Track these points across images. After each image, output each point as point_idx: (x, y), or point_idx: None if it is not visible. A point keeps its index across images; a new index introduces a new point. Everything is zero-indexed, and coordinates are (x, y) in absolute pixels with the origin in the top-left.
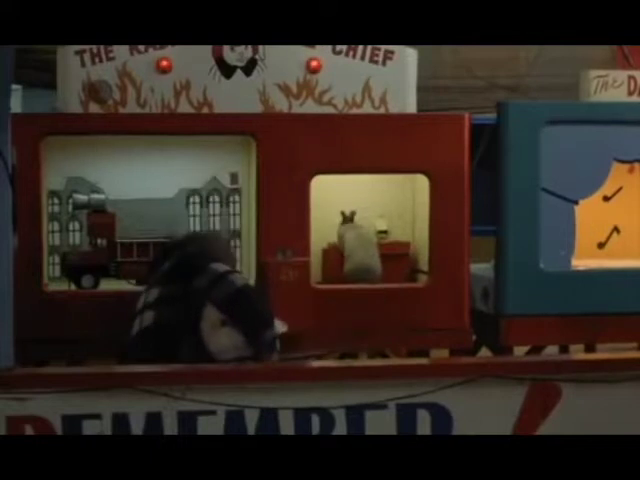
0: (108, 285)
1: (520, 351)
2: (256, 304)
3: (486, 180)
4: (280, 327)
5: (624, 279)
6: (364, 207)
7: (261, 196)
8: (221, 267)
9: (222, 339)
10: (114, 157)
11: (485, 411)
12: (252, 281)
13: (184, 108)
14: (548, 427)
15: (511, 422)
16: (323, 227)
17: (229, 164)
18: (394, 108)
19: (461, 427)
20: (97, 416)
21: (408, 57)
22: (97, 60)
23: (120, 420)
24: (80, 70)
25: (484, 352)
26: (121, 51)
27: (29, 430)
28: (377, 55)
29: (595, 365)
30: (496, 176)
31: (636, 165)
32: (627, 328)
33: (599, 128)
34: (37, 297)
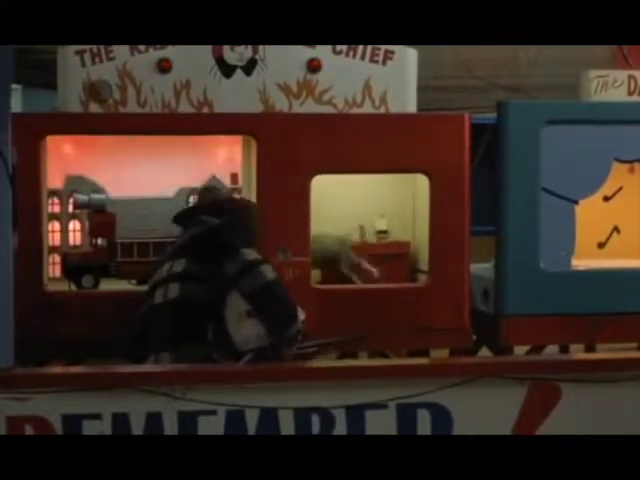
0: (108, 285)
1: (520, 351)
2: (283, 298)
3: (486, 180)
4: (301, 315)
5: (624, 279)
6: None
7: (261, 196)
8: (252, 255)
9: (246, 330)
10: (114, 157)
11: (485, 411)
12: None
13: (184, 108)
14: (548, 427)
15: (511, 422)
16: (324, 227)
17: (229, 164)
18: (394, 108)
19: (461, 427)
20: (97, 416)
21: (408, 57)
22: (97, 60)
23: (120, 420)
24: (80, 70)
25: (484, 352)
26: (121, 51)
27: (29, 430)
28: (377, 55)
29: (595, 365)
30: (496, 176)
31: (636, 165)
32: (627, 328)
33: (599, 128)
34: (37, 297)
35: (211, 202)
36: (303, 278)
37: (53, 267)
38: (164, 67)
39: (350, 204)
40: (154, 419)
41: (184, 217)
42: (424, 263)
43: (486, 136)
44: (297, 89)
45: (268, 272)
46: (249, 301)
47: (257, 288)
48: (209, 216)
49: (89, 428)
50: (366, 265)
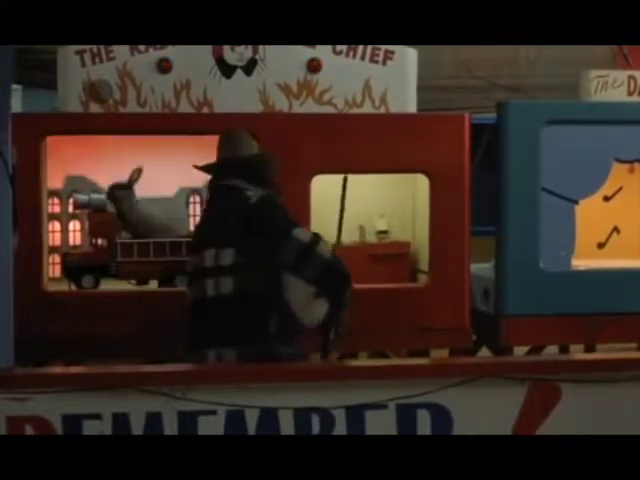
0: (108, 285)
1: (520, 351)
2: (342, 271)
3: (486, 180)
4: None
5: (624, 279)
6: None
7: None
8: (303, 235)
9: (317, 310)
10: (114, 157)
11: (485, 411)
12: None
13: (184, 108)
14: (548, 427)
15: (511, 422)
16: (323, 227)
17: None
18: (394, 108)
19: (461, 427)
20: (97, 416)
21: (408, 57)
22: (97, 60)
23: (120, 420)
24: (80, 70)
25: (484, 352)
26: (121, 51)
27: (29, 430)
28: (377, 55)
29: (595, 365)
30: (496, 176)
31: (636, 165)
32: (627, 328)
33: (599, 128)
34: (37, 297)
35: (240, 161)
36: None
37: (53, 267)
38: (164, 67)
39: (350, 204)
40: (154, 419)
41: (215, 182)
42: (424, 263)
43: (486, 136)
44: (297, 89)
45: (324, 249)
46: (312, 283)
47: (319, 272)
48: (239, 179)
49: (89, 428)
50: None
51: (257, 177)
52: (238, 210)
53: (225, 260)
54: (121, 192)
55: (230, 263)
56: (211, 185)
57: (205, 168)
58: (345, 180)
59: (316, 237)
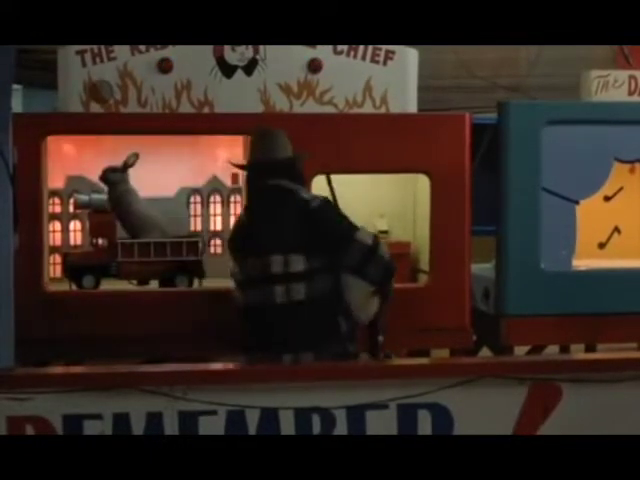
0: (109, 285)
1: (520, 351)
2: (395, 269)
3: (487, 180)
4: None
5: (625, 279)
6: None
7: None
8: (367, 237)
9: (372, 307)
10: (115, 157)
11: (485, 411)
12: None
13: (185, 108)
14: (548, 427)
15: (511, 422)
16: None
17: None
18: (395, 108)
19: (462, 427)
20: (98, 416)
21: (409, 57)
22: (98, 60)
23: (121, 420)
24: (81, 70)
25: (484, 352)
26: (122, 51)
27: (30, 430)
28: (378, 55)
29: (595, 365)
30: (497, 176)
31: (637, 165)
32: (628, 328)
33: (600, 128)
34: (37, 297)
35: (284, 161)
36: None
37: (54, 267)
38: (165, 67)
39: (350, 204)
40: (155, 419)
41: (259, 181)
42: (424, 263)
43: (487, 136)
44: (298, 89)
45: (384, 251)
46: (374, 284)
47: (382, 273)
48: (284, 178)
49: (90, 428)
50: None
51: (298, 177)
52: (300, 214)
53: (296, 267)
54: (114, 175)
55: (301, 270)
56: (255, 184)
57: (249, 167)
58: (329, 181)
59: (376, 239)
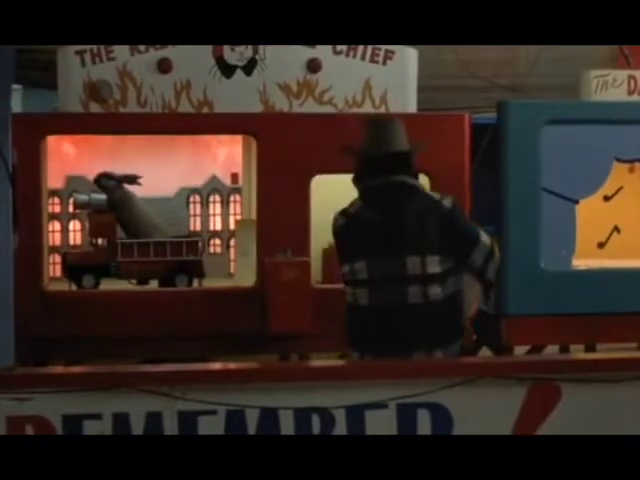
0: (109, 285)
1: (520, 351)
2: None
3: (487, 180)
4: None
5: (624, 279)
6: None
7: (261, 195)
8: (488, 239)
9: (477, 304)
10: (115, 157)
11: (485, 411)
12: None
13: (184, 108)
14: (548, 427)
15: (511, 422)
16: (324, 227)
17: (229, 163)
18: (394, 108)
19: (461, 427)
20: (98, 416)
21: (409, 57)
22: (97, 60)
23: (121, 420)
24: (81, 70)
25: (484, 352)
26: (121, 51)
27: (29, 430)
28: (378, 55)
29: (595, 365)
30: (497, 176)
31: (636, 165)
32: (628, 328)
33: (599, 128)
34: (37, 297)
35: (404, 155)
36: (303, 278)
37: (53, 267)
38: (164, 67)
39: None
40: (154, 419)
41: (379, 177)
42: None
43: (486, 136)
44: (297, 89)
45: (498, 251)
46: (489, 285)
47: (495, 274)
48: (406, 174)
49: (89, 428)
50: None
51: (415, 171)
52: (434, 215)
53: (433, 268)
54: (108, 181)
55: (439, 271)
56: (373, 180)
57: (366, 160)
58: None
59: (493, 240)
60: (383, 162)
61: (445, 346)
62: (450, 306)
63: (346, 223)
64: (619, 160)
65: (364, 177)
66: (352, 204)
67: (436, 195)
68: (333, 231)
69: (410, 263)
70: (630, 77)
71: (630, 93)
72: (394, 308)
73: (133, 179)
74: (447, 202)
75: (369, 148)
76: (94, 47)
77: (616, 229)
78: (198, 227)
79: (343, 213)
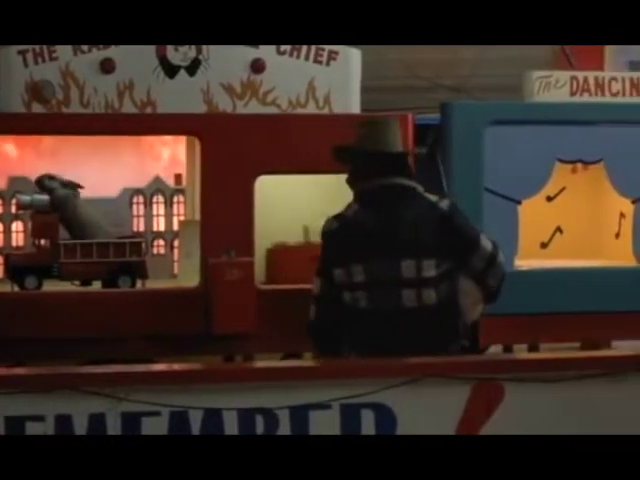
0: (52, 286)
1: None
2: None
3: (430, 180)
4: None
5: (567, 279)
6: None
7: (205, 196)
8: (489, 243)
9: (478, 310)
10: (58, 157)
11: (428, 411)
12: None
13: (127, 108)
14: (491, 427)
15: (454, 422)
16: (268, 227)
17: (173, 164)
18: (338, 108)
19: (405, 427)
20: (40, 418)
21: (352, 57)
22: (40, 60)
23: (64, 421)
24: (23, 70)
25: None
26: (64, 51)
27: None
28: (321, 55)
29: (538, 365)
30: (439, 175)
31: (579, 165)
32: (570, 328)
33: (542, 128)
34: None
35: (401, 156)
36: (247, 278)
37: None
38: (107, 67)
39: (294, 204)
40: (97, 420)
41: (375, 178)
42: None
43: (430, 136)
44: (241, 89)
45: (502, 258)
46: (491, 292)
47: (499, 282)
48: (404, 176)
49: (32, 430)
50: None
51: (412, 172)
52: (430, 217)
53: (428, 272)
54: (50, 182)
55: (434, 275)
56: (368, 182)
57: (359, 161)
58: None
59: (496, 245)
60: (379, 163)
61: (441, 350)
62: (445, 309)
63: (341, 226)
64: (561, 161)
65: (360, 179)
66: (347, 207)
67: (434, 197)
68: (324, 234)
69: (405, 267)
70: (573, 78)
71: (572, 94)
72: (390, 311)
73: (75, 186)
74: (444, 204)
75: (365, 149)
76: (36, 47)
77: (559, 229)
78: (142, 228)
79: (337, 217)
